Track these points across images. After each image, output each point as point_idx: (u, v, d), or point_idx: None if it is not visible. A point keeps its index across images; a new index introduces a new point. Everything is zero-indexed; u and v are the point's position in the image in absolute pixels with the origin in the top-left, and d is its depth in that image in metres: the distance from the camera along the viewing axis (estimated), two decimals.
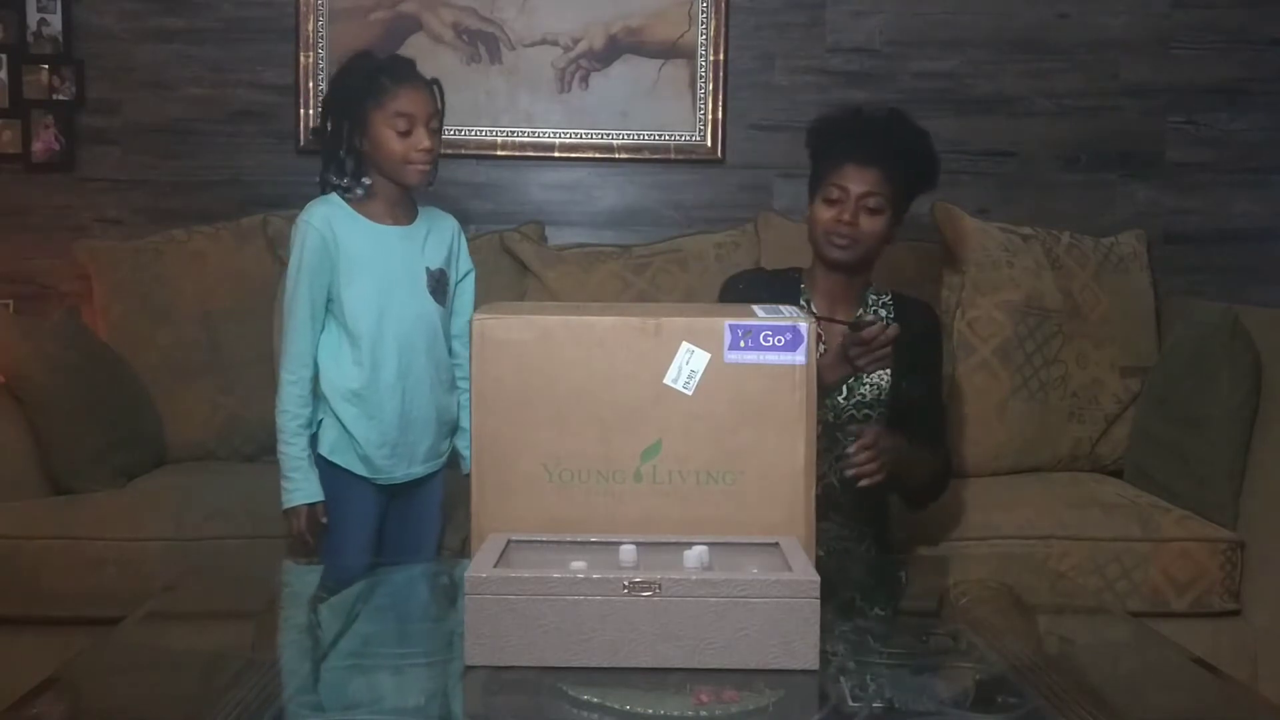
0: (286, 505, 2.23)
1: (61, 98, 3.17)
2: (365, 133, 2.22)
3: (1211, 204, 3.27)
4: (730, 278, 2.40)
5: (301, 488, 2.22)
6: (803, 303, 2.29)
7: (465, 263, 2.39)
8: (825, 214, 2.21)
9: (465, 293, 2.38)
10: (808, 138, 2.34)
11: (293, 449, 2.23)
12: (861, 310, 2.27)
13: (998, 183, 3.26)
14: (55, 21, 3.16)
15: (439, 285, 2.30)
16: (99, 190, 3.21)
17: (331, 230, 2.23)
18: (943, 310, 2.94)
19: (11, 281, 3.18)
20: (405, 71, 2.24)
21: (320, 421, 2.27)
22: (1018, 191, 3.25)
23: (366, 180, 2.25)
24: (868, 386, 2.22)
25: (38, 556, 2.40)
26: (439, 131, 2.26)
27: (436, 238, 2.33)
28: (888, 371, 2.21)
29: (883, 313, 2.28)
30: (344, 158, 2.25)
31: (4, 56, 3.17)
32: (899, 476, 2.15)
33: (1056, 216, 3.13)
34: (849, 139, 2.25)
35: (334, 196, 2.27)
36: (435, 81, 2.28)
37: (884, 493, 2.30)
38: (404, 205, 2.31)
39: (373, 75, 2.23)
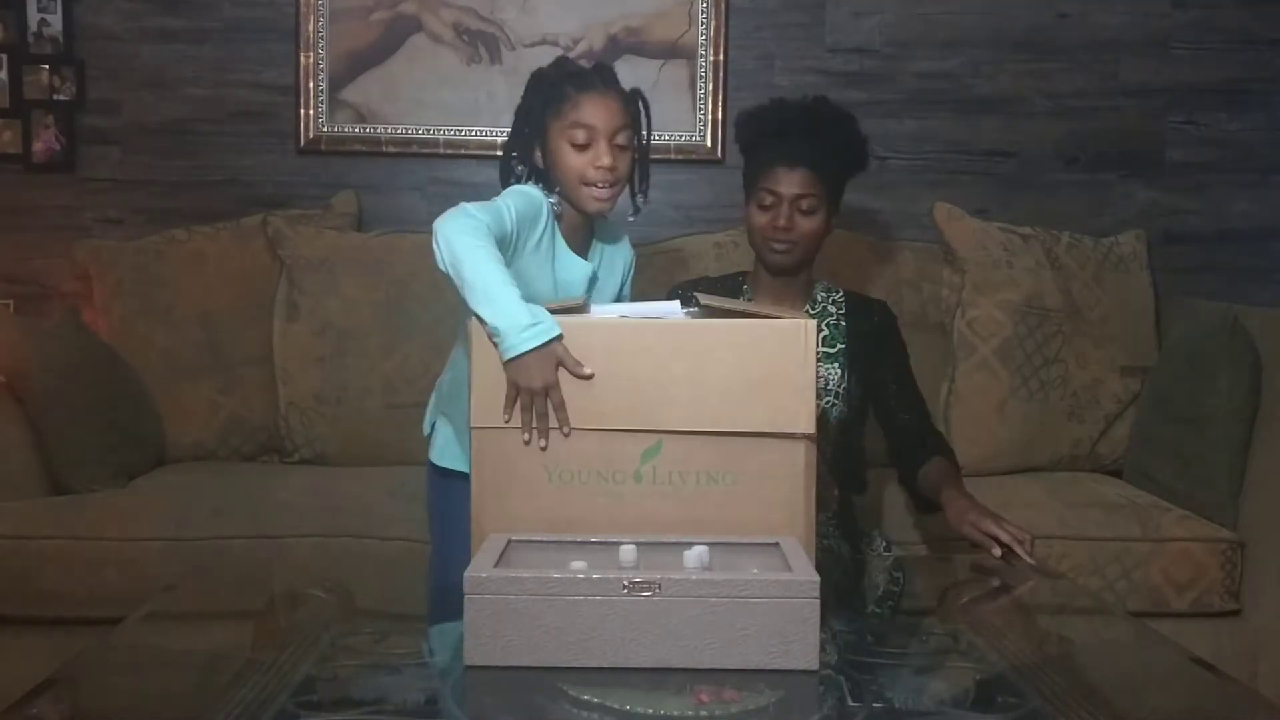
0: (534, 344, 1.64)
1: (62, 98, 3.17)
2: (545, 145, 1.98)
3: (1211, 204, 3.27)
4: (674, 287, 2.39)
5: (541, 318, 1.66)
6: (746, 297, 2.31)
7: (627, 285, 2.17)
8: (761, 219, 2.21)
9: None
10: (735, 135, 2.34)
11: (494, 284, 1.70)
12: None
13: (998, 183, 3.26)
14: (55, 21, 3.16)
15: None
16: (99, 190, 3.21)
17: (543, 214, 1.96)
18: (943, 310, 2.95)
19: (11, 281, 3.18)
20: (589, 78, 1.99)
21: (434, 425, 2.12)
22: (1018, 191, 3.25)
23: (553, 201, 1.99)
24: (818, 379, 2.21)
25: (38, 556, 2.40)
26: (628, 149, 1.97)
27: (609, 265, 2.10)
28: (837, 364, 2.23)
29: (832, 309, 2.29)
30: (519, 168, 2.02)
31: (4, 56, 3.16)
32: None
33: (1056, 216, 3.13)
34: (775, 139, 2.24)
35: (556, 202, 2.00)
36: (635, 93, 2.02)
37: (855, 489, 2.31)
38: (581, 235, 2.04)
39: (556, 82, 1.99)
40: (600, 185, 1.95)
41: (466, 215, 1.80)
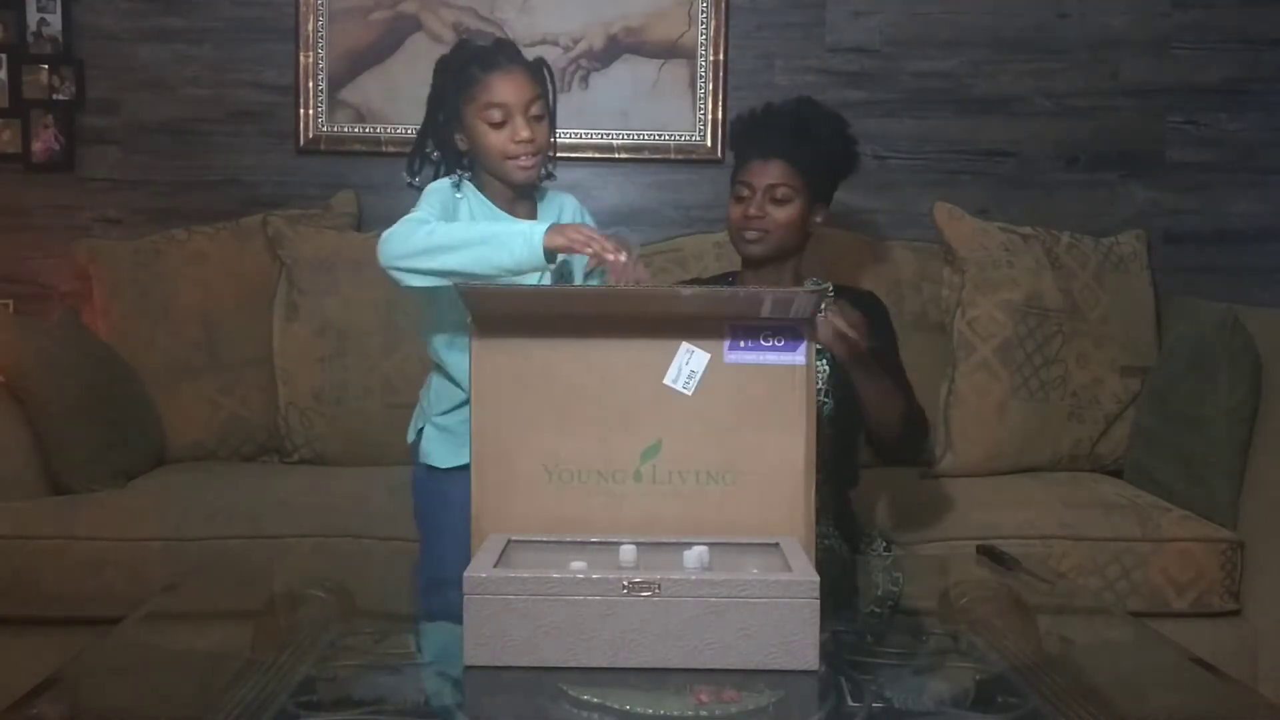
0: (540, 237, 1.82)
1: (61, 98, 3.17)
2: (462, 129, 2.05)
3: (1211, 204, 3.27)
4: None
5: (527, 226, 1.86)
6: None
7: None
8: (735, 211, 2.25)
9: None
10: (729, 139, 2.37)
11: (475, 228, 1.91)
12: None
13: (998, 183, 3.26)
14: (55, 21, 3.16)
15: (561, 279, 2.09)
16: (99, 190, 3.21)
17: (456, 199, 2.05)
18: (943, 310, 2.94)
19: (11, 281, 3.18)
20: (494, 57, 2.05)
21: (421, 430, 2.15)
22: (1018, 191, 3.25)
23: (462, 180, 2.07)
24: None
25: (38, 556, 2.40)
26: (543, 118, 2.04)
27: (558, 221, 2.10)
28: (826, 359, 2.19)
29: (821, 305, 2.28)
30: (433, 154, 2.08)
31: (4, 56, 3.17)
32: (864, 397, 2.12)
33: (1056, 216, 3.13)
34: (752, 136, 2.28)
35: (459, 179, 2.08)
36: (539, 62, 2.08)
37: (847, 484, 2.30)
38: (522, 203, 2.11)
39: (463, 66, 2.05)
40: (523, 157, 2.02)
41: (394, 231, 1.92)
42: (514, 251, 1.83)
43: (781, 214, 2.22)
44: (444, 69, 2.10)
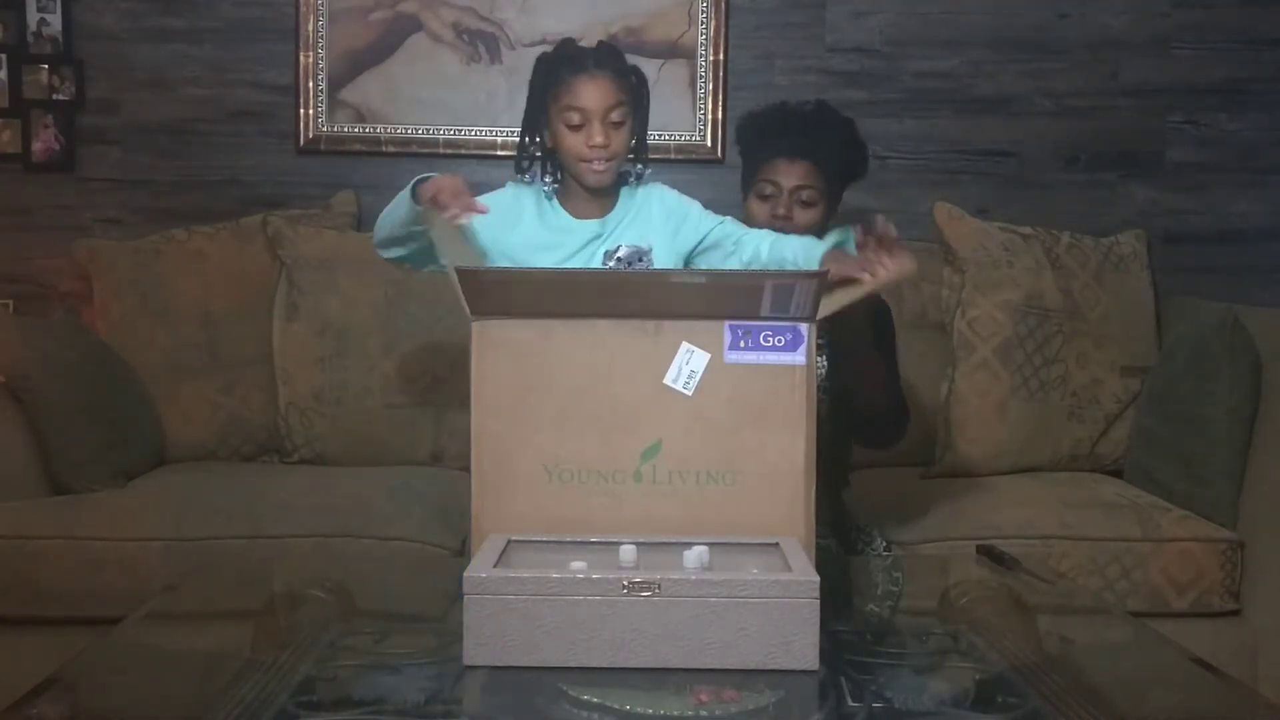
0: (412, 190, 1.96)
1: (61, 98, 3.17)
2: (547, 127, 2.11)
3: (1211, 204, 3.27)
4: None
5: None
6: None
7: (701, 220, 2.16)
8: (760, 209, 2.23)
9: (724, 235, 2.13)
10: (737, 135, 2.36)
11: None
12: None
13: (998, 183, 3.26)
14: (55, 21, 3.16)
15: (627, 265, 2.12)
16: (99, 190, 3.21)
17: (511, 205, 2.12)
18: (943, 310, 2.94)
19: (11, 281, 3.18)
20: (583, 60, 2.09)
21: None
22: (1018, 191, 3.25)
23: (550, 180, 2.14)
24: None
25: (38, 556, 2.40)
26: (623, 124, 2.08)
27: (635, 216, 2.15)
28: (823, 356, 2.19)
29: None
30: (532, 152, 2.15)
31: (4, 56, 3.17)
32: (859, 365, 2.14)
33: (1056, 216, 3.13)
34: (777, 134, 2.26)
35: (538, 185, 2.15)
36: (631, 69, 2.12)
37: (839, 484, 2.30)
38: (597, 202, 2.15)
39: (554, 67, 2.10)
40: (596, 161, 2.07)
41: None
42: (399, 203, 1.99)
43: (806, 217, 2.21)
44: (539, 68, 2.15)
